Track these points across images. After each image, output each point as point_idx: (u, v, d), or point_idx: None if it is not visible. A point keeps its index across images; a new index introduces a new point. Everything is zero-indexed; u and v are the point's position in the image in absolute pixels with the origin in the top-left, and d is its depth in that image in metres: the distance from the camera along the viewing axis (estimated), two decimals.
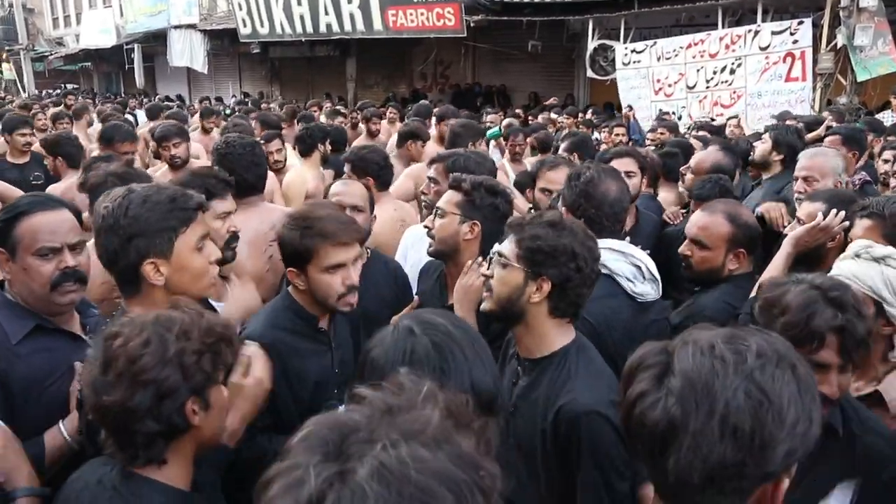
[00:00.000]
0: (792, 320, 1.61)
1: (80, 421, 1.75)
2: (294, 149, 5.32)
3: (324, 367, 2.24)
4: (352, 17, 15.76)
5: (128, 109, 12.44)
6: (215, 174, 2.68)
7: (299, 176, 4.94)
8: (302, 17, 16.76)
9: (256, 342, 2.10)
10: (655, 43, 11.54)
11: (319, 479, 0.70)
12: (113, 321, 1.85)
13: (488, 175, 2.98)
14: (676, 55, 11.17)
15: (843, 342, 1.60)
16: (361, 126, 8.35)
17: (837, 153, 3.62)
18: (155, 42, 22.85)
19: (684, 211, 4.05)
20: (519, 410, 1.88)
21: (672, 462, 1.01)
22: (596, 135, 8.07)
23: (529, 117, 11.12)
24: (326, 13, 16.19)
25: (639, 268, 2.44)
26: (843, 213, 2.53)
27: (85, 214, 2.35)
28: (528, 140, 6.51)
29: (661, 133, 6.98)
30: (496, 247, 1.97)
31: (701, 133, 6.56)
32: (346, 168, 3.71)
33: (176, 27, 21.25)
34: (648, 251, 2.65)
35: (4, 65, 28.68)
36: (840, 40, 9.66)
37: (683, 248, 2.73)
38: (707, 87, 10.83)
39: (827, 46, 9.94)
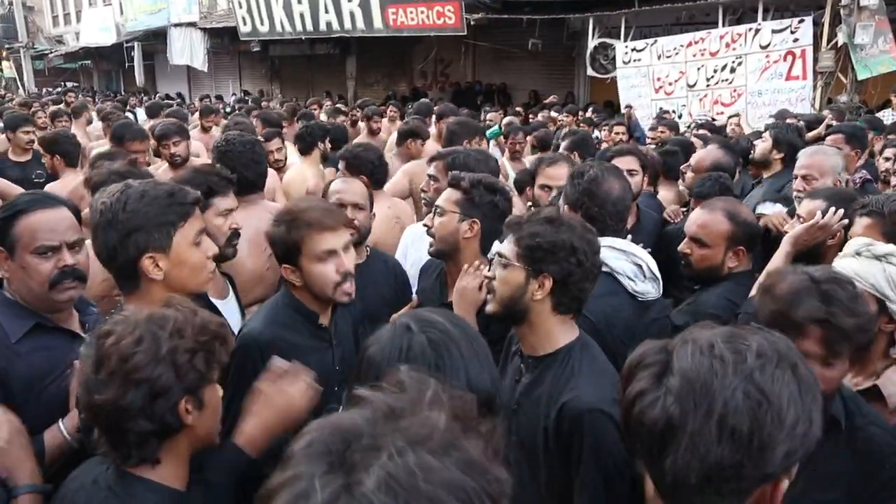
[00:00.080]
0: (775, 308, 1.63)
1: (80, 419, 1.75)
2: (295, 146, 5.32)
3: (325, 364, 2.23)
4: (352, 15, 15.75)
5: (128, 107, 12.40)
6: (217, 171, 2.69)
7: (299, 174, 4.94)
8: (302, 16, 16.75)
9: (257, 339, 2.11)
10: (656, 41, 11.53)
11: (326, 491, 0.68)
12: (110, 319, 1.85)
13: (491, 174, 2.97)
14: (677, 53, 11.15)
15: (826, 335, 1.60)
16: (361, 124, 8.35)
17: (837, 152, 3.61)
18: (155, 40, 22.84)
19: (684, 209, 4.05)
20: (522, 408, 1.88)
21: (669, 462, 1.01)
22: (596, 133, 8.06)
23: (530, 115, 11.11)
24: (326, 11, 16.18)
25: (640, 266, 2.44)
26: (841, 211, 2.53)
27: (85, 212, 2.35)
28: (528, 139, 6.50)
29: (662, 132, 6.98)
30: (495, 247, 1.97)
31: (701, 131, 6.56)
32: (341, 166, 3.71)
33: (176, 25, 21.24)
34: (649, 249, 2.65)
35: (4, 63, 28.69)
36: (841, 39, 9.65)
37: (683, 247, 2.73)
38: (707, 86, 10.82)
39: (827, 45, 9.93)
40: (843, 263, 2.01)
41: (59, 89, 21.04)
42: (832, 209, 2.54)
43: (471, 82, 18.13)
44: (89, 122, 8.71)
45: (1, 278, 2.02)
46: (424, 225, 2.72)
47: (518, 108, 12.12)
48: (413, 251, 3.21)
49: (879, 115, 8.40)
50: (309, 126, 5.28)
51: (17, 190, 4.34)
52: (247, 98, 16.17)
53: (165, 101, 14.72)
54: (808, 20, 9.87)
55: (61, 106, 10.12)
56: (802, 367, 1.04)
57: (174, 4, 21.12)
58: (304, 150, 5.07)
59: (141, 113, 11.16)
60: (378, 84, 20.02)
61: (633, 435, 1.08)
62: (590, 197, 2.49)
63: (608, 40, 12.56)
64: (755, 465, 0.98)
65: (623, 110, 10.39)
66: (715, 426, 0.98)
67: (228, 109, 12.89)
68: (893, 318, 1.97)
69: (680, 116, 10.35)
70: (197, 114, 9.13)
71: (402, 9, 14.87)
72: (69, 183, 4.42)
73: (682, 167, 4.39)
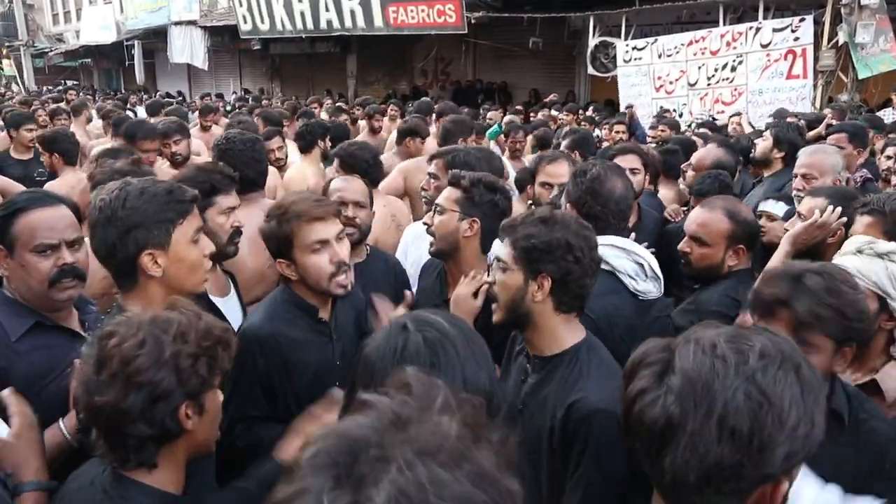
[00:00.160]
0: (755, 287, 1.71)
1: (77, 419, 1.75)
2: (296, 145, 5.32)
3: (325, 359, 2.24)
4: (352, 13, 15.74)
5: (128, 106, 12.40)
6: (220, 169, 2.69)
7: (300, 172, 4.94)
8: (302, 14, 16.73)
9: (256, 334, 2.11)
10: (656, 40, 11.52)
11: None
12: (108, 317, 1.85)
13: (495, 172, 2.97)
14: (678, 52, 11.15)
15: (791, 318, 1.64)
16: (361, 122, 8.34)
17: (837, 150, 3.62)
18: (155, 38, 22.82)
19: (685, 209, 4.05)
20: (527, 408, 1.87)
21: (669, 461, 1.01)
22: (597, 132, 8.06)
23: (530, 114, 11.10)
24: (327, 10, 16.17)
25: (641, 265, 2.44)
26: (839, 209, 2.53)
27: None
28: (528, 138, 6.49)
29: (662, 130, 6.98)
30: (493, 250, 1.96)
31: (702, 130, 6.56)
32: (335, 164, 3.69)
33: (176, 24, 21.22)
34: (652, 249, 2.65)
35: (5, 61, 28.66)
36: (841, 37, 9.64)
37: (683, 245, 2.72)
38: (708, 85, 10.81)
39: (828, 44, 9.92)
40: (845, 261, 2.01)
41: (60, 88, 21.03)
42: (829, 207, 2.54)
43: (471, 81, 18.12)
44: (89, 120, 8.71)
45: (0, 277, 2.02)
46: (424, 223, 2.72)
47: (518, 107, 12.11)
48: (413, 250, 3.21)
49: (880, 113, 8.40)
50: (309, 124, 5.28)
51: (19, 188, 4.33)
52: (247, 96, 16.16)
53: (166, 99, 14.72)
54: (809, 19, 9.86)
55: (61, 104, 10.12)
56: (806, 368, 1.04)
57: (174, 3, 21.09)
58: (305, 149, 5.07)
59: (141, 111, 11.14)
60: (378, 82, 20.01)
61: (633, 433, 1.08)
62: (592, 195, 2.48)
63: (609, 39, 12.55)
64: (755, 466, 0.98)
65: (624, 109, 10.39)
66: (715, 426, 0.98)
67: (229, 108, 12.88)
68: (894, 315, 1.97)
69: (681, 115, 10.34)
70: (197, 112, 9.13)
71: (402, 7, 14.86)
72: (68, 181, 4.42)
73: (682, 166, 4.39)
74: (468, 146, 4.06)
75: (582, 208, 2.48)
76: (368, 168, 3.53)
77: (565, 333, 1.86)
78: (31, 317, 1.96)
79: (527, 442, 1.84)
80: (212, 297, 2.47)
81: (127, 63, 24.69)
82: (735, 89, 10.54)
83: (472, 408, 0.78)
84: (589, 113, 10.28)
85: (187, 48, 21.09)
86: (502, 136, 6.44)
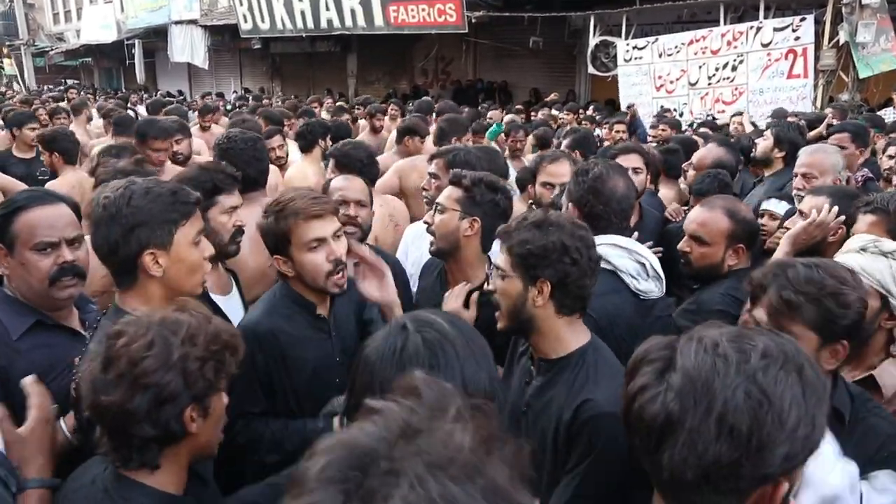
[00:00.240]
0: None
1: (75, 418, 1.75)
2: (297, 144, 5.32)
3: (324, 355, 2.24)
4: (353, 12, 15.74)
5: (129, 105, 12.40)
6: (223, 169, 2.69)
7: (300, 172, 4.93)
8: (303, 13, 16.74)
9: (255, 330, 2.11)
10: (657, 39, 11.53)
11: None
12: (106, 316, 1.85)
13: (499, 171, 2.96)
14: (678, 52, 11.15)
15: (769, 303, 1.66)
16: (361, 122, 8.34)
17: (837, 150, 3.61)
18: (156, 38, 22.83)
19: (685, 208, 4.05)
20: (531, 409, 1.87)
21: (667, 457, 1.01)
22: (597, 131, 8.06)
23: (531, 114, 11.10)
24: (327, 9, 16.17)
25: (643, 265, 2.44)
26: (836, 208, 2.53)
27: None
28: (528, 137, 6.49)
29: (663, 130, 6.98)
30: (492, 255, 1.96)
31: (702, 130, 6.56)
32: (331, 164, 3.69)
33: (177, 23, 21.23)
34: (657, 250, 2.65)
35: (6, 60, 28.68)
36: (842, 37, 9.65)
37: (682, 245, 2.72)
38: (709, 84, 10.82)
39: (829, 43, 9.93)
40: (848, 259, 2.00)
41: (61, 87, 21.04)
42: (826, 206, 2.55)
43: (472, 80, 18.13)
44: (89, 119, 8.70)
45: (1, 275, 2.02)
46: (425, 222, 2.72)
47: (519, 106, 12.12)
48: (414, 250, 3.21)
49: (881, 113, 8.41)
50: (310, 124, 5.27)
51: (21, 186, 4.34)
52: (247, 96, 16.16)
53: (166, 98, 14.71)
54: (810, 18, 9.87)
55: (61, 103, 10.12)
56: (809, 370, 1.03)
57: (175, 2, 21.11)
58: (305, 148, 5.06)
59: (142, 110, 11.15)
60: (379, 82, 20.02)
61: (633, 430, 1.08)
62: (594, 195, 2.48)
63: (609, 38, 12.56)
64: (754, 465, 0.98)
65: (625, 108, 10.40)
66: (714, 424, 0.98)
67: (229, 107, 12.88)
68: (895, 314, 1.97)
69: (681, 115, 10.35)
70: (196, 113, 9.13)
71: (402, 6, 14.86)
72: (69, 180, 4.42)
73: (683, 165, 4.39)
74: (469, 145, 4.06)
75: (584, 207, 2.48)
76: (363, 167, 3.52)
77: (570, 336, 1.86)
78: (32, 315, 1.96)
79: (530, 444, 1.83)
80: (213, 296, 2.47)
81: (127, 62, 24.71)
82: (736, 89, 10.54)
83: (485, 417, 0.76)
84: (589, 112, 10.28)
85: (188, 47, 21.10)
86: (503, 135, 6.44)
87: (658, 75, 11.42)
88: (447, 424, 0.72)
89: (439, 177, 3.22)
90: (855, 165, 4.40)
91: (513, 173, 4.77)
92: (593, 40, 12.71)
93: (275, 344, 2.15)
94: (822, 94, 10.04)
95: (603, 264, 2.08)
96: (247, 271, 2.94)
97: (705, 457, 0.98)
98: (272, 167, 4.29)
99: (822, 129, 6.05)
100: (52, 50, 28.54)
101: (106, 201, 1.82)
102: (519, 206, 3.22)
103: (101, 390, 1.35)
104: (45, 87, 22.72)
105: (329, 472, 0.68)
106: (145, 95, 17.35)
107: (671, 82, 11.28)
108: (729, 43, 10.60)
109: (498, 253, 1.93)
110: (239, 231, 2.60)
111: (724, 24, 10.98)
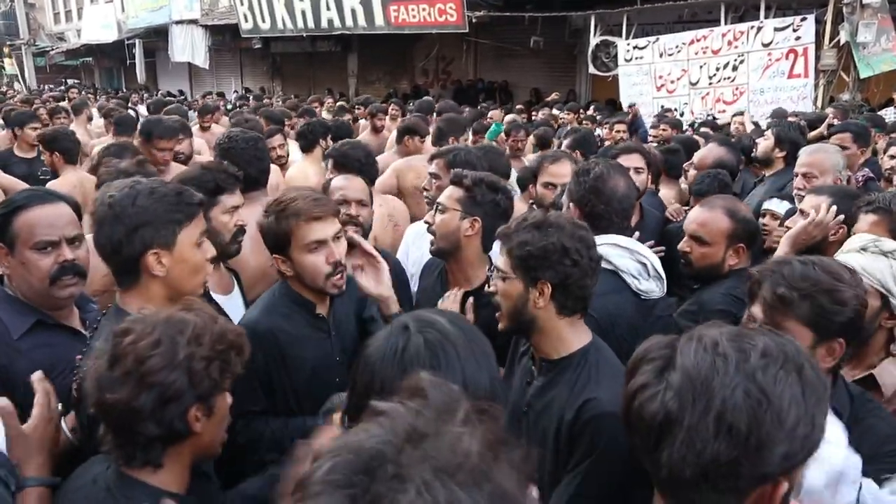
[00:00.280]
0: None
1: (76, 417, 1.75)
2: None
3: (323, 354, 2.24)
4: (353, 12, 15.74)
5: (129, 104, 12.41)
6: (225, 168, 2.69)
7: (301, 171, 4.93)
8: (303, 13, 16.74)
9: (254, 329, 2.11)
10: (658, 39, 11.53)
11: None
12: (107, 316, 1.85)
13: (501, 171, 2.96)
14: (679, 51, 11.15)
15: (762, 298, 1.67)
16: (362, 121, 8.33)
17: (838, 150, 3.62)
18: (156, 37, 22.84)
19: (686, 208, 4.05)
20: (532, 409, 1.87)
21: (665, 455, 1.01)
22: (598, 131, 8.06)
23: (532, 113, 11.10)
24: (328, 8, 16.18)
25: (644, 265, 2.44)
26: (834, 208, 2.53)
27: None
28: (529, 137, 6.49)
29: (664, 130, 6.98)
30: (493, 255, 1.95)
31: (703, 130, 6.56)
32: (329, 164, 3.69)
33: (177, 22, 21.23)
34: (660, 250, 2.65)
35: (6, 60, 28.70)
36: (843, 37, 9.64)
37: (683, 245, 2.71)
38: (710, 84, 10.82)
39: (830, 43, 9.92)
40: (849, 258, 2.00)
41: (62, 87, 21.05)
42: (824, 206, 2.54)
43: (472, 80, 18.12)
44: (90, 118, 8.71)
45: (1, 275, 2.02)
46: (426, 222, 2.72)
47: (519, 106, 12.12)
48: (414, 250, 3.21)
49: (881, 113, 8.41)
50: (310, 123, 5.27)
51: (22, 186, 4.34)
52: (248, 95, 16.17)
53: (167, 97, 14.72)
54: (811, 18, 9.87)
55: (62, 103, 10.13)
56: (809, 370, 1.03)
57: (175, 1, 21.11)
58: (306, 148, 5.06)
59: (143, 110, 11.16)
60: (379, 81, 20.01)
61: (633, 428, 1.08)
62: (595, 194, 2.48)
63: (610, 38, 12.55)
64: (752, 464, 0.98)
65: (627, 108, 10.40)
66: (712, 422, 0.98)
67: (230, 107, 12.88)
68: (895, 313, 1.97)
69: (682, 115, 10.34)
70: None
71: (403, 6, 14.86)
72: (70, 180, 4.42)
73: (684, 165, 4.39)
74: (469, 145, 4.06)
75: (585, 207, 2.48)
76: (362, 167, 3.52)
77: (571, 336, 1.86)
78: (33, 315, 1.97)
79: (531, 443, 1.83)
80: (215, 296, 2.48)
81: (128, 62, 24.71)
82: (736, 88, 10.54)
83: (492, 420, 0.75)
84: (590, 112, 10.28)
85: (188, 47, 21.10)
86: (503, 135, 6.44)
87: (659, 75, 11.41)
88: (455, 428, 0.71)
89: (440, 177, 3.22)
90: (856, 165, 4.40)
91: (513, 173, 4.77)
92: (594, 40, 12.71)
93: (274, 343, 2.15)
94: (822, 93, 10.04)
95: (604, 264, 2.08)
96: (248, 271, 2.94)
97: (704, 455, 0.98)
98: (273, 167, 4.29)
99: (822, 129, 6.04)
100: (52, 49, 28.55)
101: (111, 200, 1.82)
102: (520, 206, 3.22)
103: (106, 388, 1.35)
104: (46, 87, 22.73)
105: (334, 475, 0.67)
106: (146, 95, 17.36)
107: (672, 82, 11.28)
108: (730, 43, 10.60)
109: (498, 254, 1.93)
110: (240, 231, 2.61)
111: (725, 23, 10.98)
